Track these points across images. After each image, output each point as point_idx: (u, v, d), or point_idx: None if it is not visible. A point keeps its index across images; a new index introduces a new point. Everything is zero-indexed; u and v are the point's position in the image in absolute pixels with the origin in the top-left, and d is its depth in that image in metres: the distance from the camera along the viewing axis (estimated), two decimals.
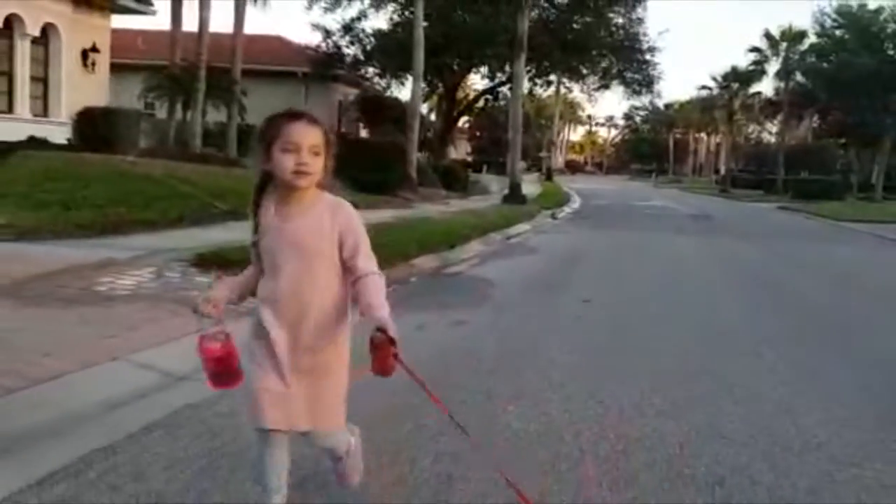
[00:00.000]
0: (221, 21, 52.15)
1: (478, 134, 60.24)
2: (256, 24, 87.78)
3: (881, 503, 3.05)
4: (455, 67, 26.47)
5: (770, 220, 24.79)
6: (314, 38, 34.80)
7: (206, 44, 18.70)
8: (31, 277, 6.01)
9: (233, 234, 7.92)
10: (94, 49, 18.30)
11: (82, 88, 17.96)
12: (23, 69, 16.61)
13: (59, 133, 16.71)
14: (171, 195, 11.63)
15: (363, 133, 32.37)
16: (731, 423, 3.91)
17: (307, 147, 2.28)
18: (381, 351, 2.16)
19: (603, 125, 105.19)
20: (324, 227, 2.34)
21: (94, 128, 17.00)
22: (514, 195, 21.35)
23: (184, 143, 19.62)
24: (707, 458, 3.35)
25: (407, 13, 24.60)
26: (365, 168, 18.85)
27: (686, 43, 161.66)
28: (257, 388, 2.34)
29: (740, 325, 6.80)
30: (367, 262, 2.35)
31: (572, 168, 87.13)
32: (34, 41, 16.78)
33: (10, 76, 16.44)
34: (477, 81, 33.05)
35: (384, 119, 29.49)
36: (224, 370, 2.42)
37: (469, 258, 10.41)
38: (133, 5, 19.07)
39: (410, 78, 25.18)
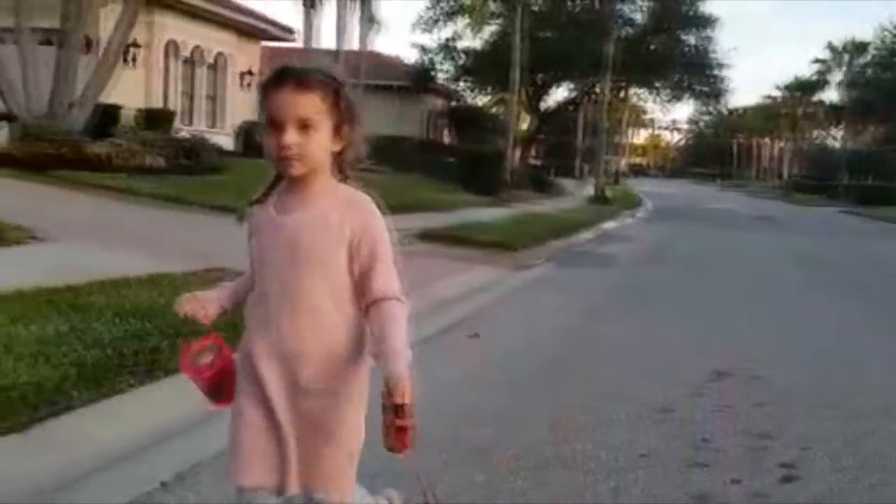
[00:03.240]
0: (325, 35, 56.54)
1: (544, 138, 63.71)
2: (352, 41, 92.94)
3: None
4: (540, 82, 30.30)
5: (828, 221, 27.93)
6: (403, 53, 38.91)
7: (341, 66, 22.79)
8: None
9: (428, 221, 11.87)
10: (250, 72, 22.59)
11: (240, 105, 22.26)
12: (200, 90, 20.97)
13: (225, 142, 20.94)
14: None
15: (447, 139, 36.42)
16: (779, 311, 7.62)
17: (293, 122, 1.75)
18: (387, 419, 1.68)
19: (666, 129, 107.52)
20: (329, 225, 1.80)
21: (252, 138, 21.24)
22: (600, 197, 25.08)
23: None
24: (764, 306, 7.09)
25: (498, 34, 28.54)
26: (470, 173, 22.85)
27: (752, 50, 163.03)
28: (237, 438, 1.88)
29: (791, 280, 10.46)
30: (385, 280, 1.80)
31: (636, 171, 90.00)
32: (209, 67, 21.10)
33: (191, 96, 20.77)
34: (556, 92, 36.73)
35: (471, 127, 33.44)
36: (221, 384, 1.95)
37: (585, 243, 14.16)
38: (280, 34, 23.30)
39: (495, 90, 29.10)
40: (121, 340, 4.01)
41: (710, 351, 5.60)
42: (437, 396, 3.46)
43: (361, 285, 1.82)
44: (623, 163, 78.72)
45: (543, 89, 31.14)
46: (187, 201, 11.54)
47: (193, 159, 14.56)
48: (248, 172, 16.19)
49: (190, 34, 19.79)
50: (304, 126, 1.77)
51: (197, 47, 20.34)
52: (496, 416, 3.86)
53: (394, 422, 1.67)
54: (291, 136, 1.76)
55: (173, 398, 3.24)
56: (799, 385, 4.78)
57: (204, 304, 1.94)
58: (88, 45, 15.38)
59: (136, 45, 18.02)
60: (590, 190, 30.36)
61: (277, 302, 1.84)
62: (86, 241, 7.71)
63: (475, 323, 6.19)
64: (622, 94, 39.30)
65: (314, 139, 1.78)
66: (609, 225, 18.82)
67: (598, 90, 28.78)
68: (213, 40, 20.83)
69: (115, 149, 13.16)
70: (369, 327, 1.83)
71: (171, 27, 19.08)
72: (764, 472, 3.25)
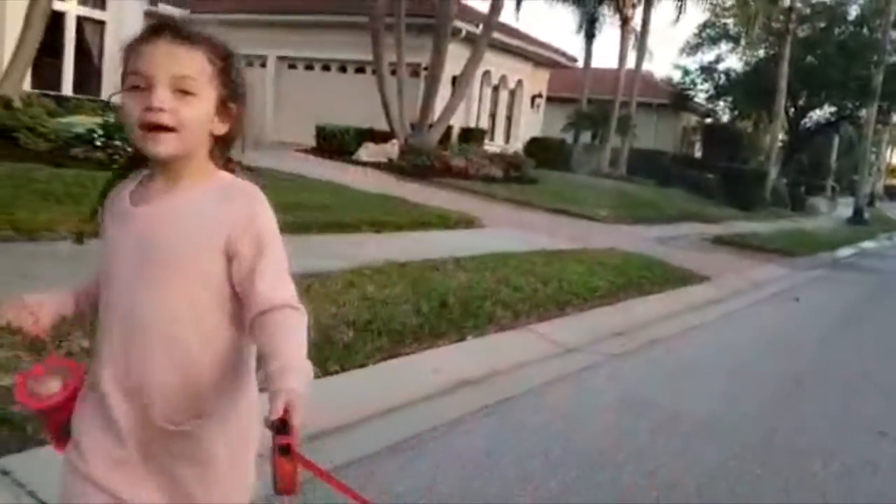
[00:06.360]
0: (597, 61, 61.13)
1: (796, 157, 63.68)
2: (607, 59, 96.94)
3: None
4: (802, 105, 32.42)
5: None
6: (657, 72, 41.96)
7: (620, 90, 26.81)
8: (645, 238, 13.76)
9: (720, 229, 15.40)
10: (539, 95, 27.08)
11: (529, 123, 26.82)
12: (501, 111, 25.70)
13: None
14: (640, 202, 19.39)
15: (697, 154, 39.12)
16: None
17: (166, 80, 1.38)
18: (273, 448, 1.23)
19: None
20: (203, 221, 1.43)
21: (537, 152, 25.64)
22: (858, 217, 27.09)
23: (587, 164, 27.80)
24: None
25: (762, 59, 31.16)
26: (729, 188, 25.81)
27: None
28: (78, 437, 1.50)
29: None
30: (273, 285, 1.42)
31: (891, 193, 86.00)
32: (509, 92, 25.79)
33: (493, 116, 25.55)
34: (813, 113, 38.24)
35: (723, 144, 36.00)
36: (64, 422, 1.54)
37: (849, 256, 17.01)
38: (565, 61, 27.58)
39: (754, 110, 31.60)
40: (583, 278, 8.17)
41: None
42: (783, 327, 7.28)
43: (244, 294, 1.42)
44: (879, 185, 75.93)
45: (802, 112, 33.14)
46: (532, 204, 15.88)
47: (519, 171, 19.01)
48: (556, 182, 20.56)
49: (499, 65, 24.46)
50: (181, 90, 1.38)
51: (503, 76, 25.03)
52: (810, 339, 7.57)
53: (275, 446, 1.21)
54: (163, 97, 1.37)
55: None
56: None
57: (33, 310, 1.53)
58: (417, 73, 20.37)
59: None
60: (842, 211, 31.98)
61: (124, 320, 1.45)
62: (505, 227, 12.01)
63: (789, 295, 9.75)
64: (885, 116, 39.90)
65: (193, 107, 1.40)
66: (868, 244, 21.19)
67: (859, 114, 30.47)
68: (515, 69, 25.43)
69: (469, 162, 17.83)
70: (259, 342, 1.40)
71: (487, 60, 23.82)
72: None
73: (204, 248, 1.42)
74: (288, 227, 5.03)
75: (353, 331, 4.62)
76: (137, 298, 1.44)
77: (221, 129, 1.47)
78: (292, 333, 1.38)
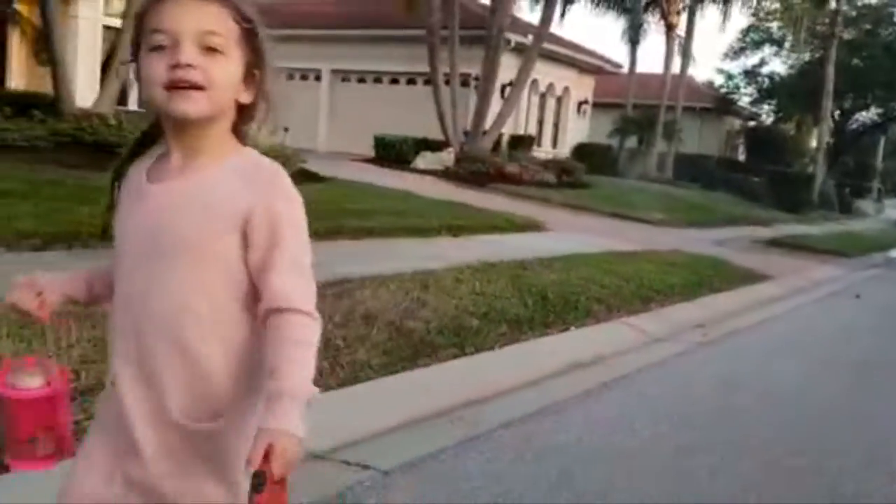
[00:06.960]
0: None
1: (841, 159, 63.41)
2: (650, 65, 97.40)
3: None
4: (847, 108, 32.68)
5: None
6: (699, 75, 42.27)
7: (666, 95, 27.32)
8: (702, 240, 14.28)
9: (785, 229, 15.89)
10: (585, 101, 27.65)
11: (576, 129, 27.40)
12: (549, 118, 26.32)
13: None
14: (690, 206, 19.87)
15: (741, 157, 39.40)
16: None
17: (192, 36, 1.33)
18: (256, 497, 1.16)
19: None
20: (222, 201, 1.35)
21: (584, 157, 26.21)
22: None
23: (633, 169, 28.31)
24: None
25: (807, 62, 31.47)
26: (776, 191, 26.16)
27: None
28: (70, 484, 1.42)
29: None
30: (287, 282, 1.34)
31: None
32: (556, 99, 26.40)
33: (541, 122, 26.18)
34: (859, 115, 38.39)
35: (767, 147, 36.26)
36: (44, 426, 1.44)
37: None
38: (609, 68, 28.13)
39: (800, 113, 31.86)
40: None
41: None
42: (848, 320, 7.82)
43: (259, 285, 1.35)
44: None
45: (848, 114, 33.35)
46: (588, 208, 16.46)
47: (571, 176, 19.62)
48: (607, 187, 21.15)
49: (546, 73, 25.06)
50: (208, 47, 1.33)
51: (550, 84, 25.65)
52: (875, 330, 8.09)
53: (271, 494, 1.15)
54: (191, 53, 1.32)
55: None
56: None
57: (42, 290, 1.50)
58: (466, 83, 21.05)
59: (511, 84, 23.64)
60: (889, 213, 32.15)
61: (138, 305, 1.38)
62: (569, 230, 12.61)
63: (848, 293, 10.25)
64: None
65: (222, 65, 1.35)
66: None
67: None
68: (561, 77, 26.04)
69: (523, 168, 18.46)
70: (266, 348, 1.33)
71: (535, 68, 24.42)
72: None
73: (220, 231, 1.35)
74: (374, 232, 7.11)
75: (477, 320, 5.30)
76: (148, 281, 1.37)
77: (247, 97, 1.41)
78: (296, 347, 1.29)
